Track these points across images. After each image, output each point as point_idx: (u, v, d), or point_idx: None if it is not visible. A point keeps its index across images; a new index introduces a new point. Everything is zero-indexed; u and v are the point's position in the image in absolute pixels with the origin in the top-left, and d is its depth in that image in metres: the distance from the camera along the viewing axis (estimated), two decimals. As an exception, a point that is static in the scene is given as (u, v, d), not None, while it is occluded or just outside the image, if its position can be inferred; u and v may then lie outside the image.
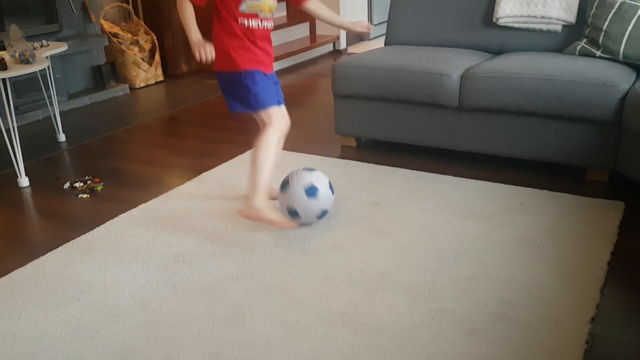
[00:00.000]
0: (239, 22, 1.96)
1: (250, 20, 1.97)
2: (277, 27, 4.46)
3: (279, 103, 2.13)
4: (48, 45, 3.16)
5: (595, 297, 1.69)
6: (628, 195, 2.32)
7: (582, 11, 2.75)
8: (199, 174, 2.75)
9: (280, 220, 2.07)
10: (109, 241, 2.15)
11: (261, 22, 1.99)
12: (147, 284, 1.86)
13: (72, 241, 2.16)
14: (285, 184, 2.11)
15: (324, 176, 2.15)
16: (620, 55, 2.53)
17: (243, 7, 1.94)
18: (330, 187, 2.15)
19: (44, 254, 2.07)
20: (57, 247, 2.12)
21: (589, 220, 2.15)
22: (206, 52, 1.94)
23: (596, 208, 2.23)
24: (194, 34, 1.97)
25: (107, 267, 1.97)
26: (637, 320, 1.63)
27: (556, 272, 1.83)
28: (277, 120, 2.06)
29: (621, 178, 2.42)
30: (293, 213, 2.10)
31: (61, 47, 3.15)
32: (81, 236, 2.19)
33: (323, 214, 2.15)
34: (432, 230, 2.13)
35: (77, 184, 2.70)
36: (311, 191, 2.07)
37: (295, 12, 5.59)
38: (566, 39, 2.79)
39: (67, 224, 2.35)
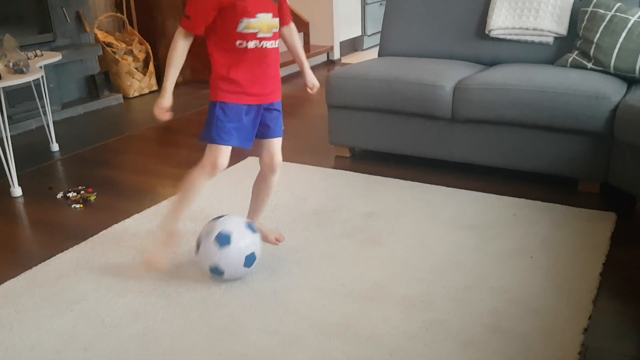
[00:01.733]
0: (237, 44, 1.77)
1: (248, 42, 1.77)
2: (271, 38, 4.45)
3: (272, 135, 1.94)
4: (42, 55, 3.16)
5: (588, 308, 1.70)
6: (619, 207, 2.34)
7: (573, 23, 2.78)
8: (193, 184, 2.74)
9: (158, 261, 1.98)
10: (103, 252, 2.14)
11: (259, 42, 1.78)
12: (141, 295, 1.85)
13: (65, 252, 2.15)
14: (197, 245, 1.89)
15: (236, 217, 1.92)
16: (611, 68, 2.56)
17: (241, 28, 1.75)
18: (249, 226, 1.90)
19: (37, 265, 2.06)
20: (50, 257, 2.11)
21: (581, 231, 2.16)
22: (159, 107, 1.82)
23: (588, 219, 2.25)
24: (168, 94, 1.81)
25: (101, 278, 1.96)
26: (629, 332, 1.64)
27: (550, 283, 1.84)
28: (211, 164, 1.87)
29: (613, 189, 2.44)
30: (217, 272, 1.85)
31: (55, 57, 3.15)
32: (74, 247, 2.18)
33: (250, 260, 1.86)
34: (427, 240, 2.14)
35: (70, 194, 2.69)
36: (223, 239, 1.82)
37: (289, 22, 5.61)
38: (558, 51, 2.82)
39: (61, 234, 2.34)
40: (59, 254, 2.13)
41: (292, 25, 1.99)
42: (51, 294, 1.88)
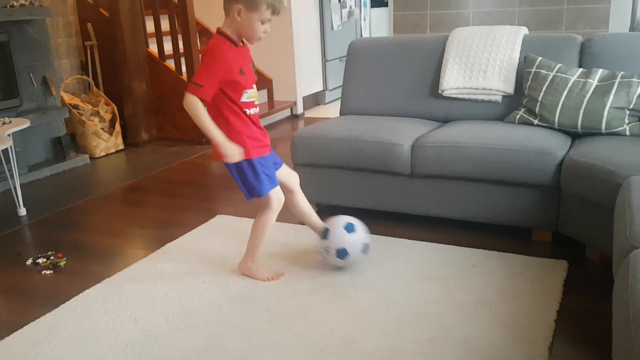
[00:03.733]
0: (242, 108, 2.17)
1: (250, 108, 2.20)
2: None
3: (280, 166, 2.37)
4: (10, 122, 3.20)
5: (544, 356, 1.81)
6: (570, 254, 2.49)
7: (519, 83, 2.99)
8: (163, 245, 2.79)
9: (269, 275, 2.39)
10: (75, 318, 2.17)
11: (256, 108, 2.24)
12: (116, 362, 1.88)
13: (37, 320, 2.16)
14: (326, 232, 2.39)
15: (353, 218, 2.43)
16: (556, 124, 2.75)
17: (244, 97, 2.16)
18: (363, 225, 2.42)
19: (9, 335, 2.07)
20: (22, 326, 2.12)
21: (536, 279, 2.29)
22: (234, 153, 2.14)
23: (542, 267, 2.39)
24: (220, 135, 2.13)
25: (74, 346, 1.98)
26: (583, 376, 1.75)
27: (508, 332, 1.95)
28: (276, 202, 2.28)
29: (564, 238, 2.59)
30: (342, 253, 2.34)
31: (24, 124, 3.20)
32: (47, 314, 2.20)
33: (366, 248, 2.39)
34: (392, 294, 2.23)
35: (40, 260, 2.70)
36: (349, 227, 2.36)
37: (253, 79, 5.78)
38: (506, 108, 3.02)
39: (32, 301, 2.35)
40: (32, 323, 2.14)
41: None
42: (25, 364, 1.89)
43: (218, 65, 2.07)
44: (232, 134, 2.17)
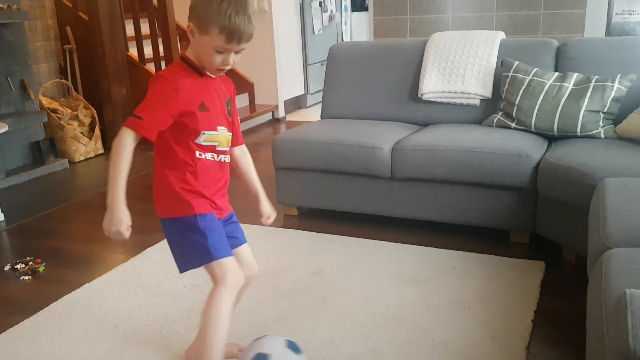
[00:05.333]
0: (196, 155, 1.61)
1: (206, 154, 1.63)
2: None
3: (240, 243, 1.79)
4: (-13, 126, 3.17)
5: (522, 356, 1.84)
6: (547, 255, 2.53)
7: (497, 87, 3.03)
8: (143, 250, 2.78)
9: None
10: (54, 325, 2.15)
11: (217, 155, 1.66)
12: (95, 368, 1.87)
13: (15, 326, 2.14)
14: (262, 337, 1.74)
15: (276, 337, 1.74)
16: (532, 127, 2.80)
17: (200, 140, 1.60)
18: (291, 345, 1.68)
19: (-14, 342, 2.05)
20: (0, 333, 2.09)
21: (513, 280, 2.33)
22: (113, 224, 1.49)
23: (519, 268, 2.42)
24: (117, 195, 1.50)
25: (53, 353, 1.97)
26: (559, 375, 1.78)
27: (486, 332, 1.97)
28: (231, 275, 1.63)
29: (541, 239, 2.63)
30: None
31: (1, 129, 3.19)
32: (25, 321, 2.18)
33: None
34: (372, 297, 2.25)
35: (18, 266, 2.67)
36: (295, 347, 1.67)
37: (234, 83, 5.78)
38: (484, 112, 3.06)
39: (10, 308, 2.32)
40: (10, 329, 2.12)
41: (245, 148, 1.84)
42: (2, 372, 1.88)
43: (165, 96, 1.52)
44: (165, 191, 1.63)
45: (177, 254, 1.66)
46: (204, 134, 1.60)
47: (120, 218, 1.49)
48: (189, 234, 1.61)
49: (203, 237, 1.60)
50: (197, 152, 1.61)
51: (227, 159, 1.70)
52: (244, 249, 1.79)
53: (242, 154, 1.83)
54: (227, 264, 1.62)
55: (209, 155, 1.64)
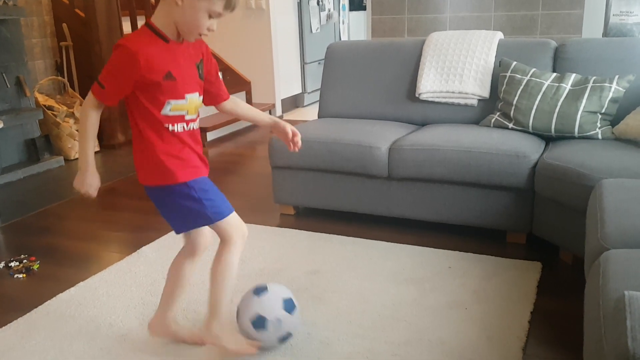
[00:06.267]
0: (165, 126, 1.63)
1: (175, 124, 1.64)
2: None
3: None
4: (-18, 123, 3.15)
5: (519, 356, 1.84)
6: (544, 256, 2.53)
7: (494, 87, 3.03)
8: (138, 249, 2.77)
9: (241, 348, 1.81)
10: (48, 323, 2.13)
11: (187, 124, 1.67)
12: (89, 367, 1.86)
13: (9, 325, 2.13)
14: (262, 289, 1.86)
15: (274, 295, 1.89)
16: (530, 127, 2.79)
17: (166, 110, 1.62)
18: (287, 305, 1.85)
19: (-21, 340, 2.03)
20: (-7, 332, 2.08)
21: (510, 281, 2.32)
22: (84, 185, 1.66)
23: (516, 269, 2.42)
24: (87, 160, 1.64)
25: (47, 351, 1.95)
26: (555, 376, 1.78)
27: (483, 333, 1.97)
28: (238, 233, 1.73)
29: (538, 239, 2.63)
30: (259, 323, 1.78)
31: (-4, 125, 3.15)
32: (19, 319, 2.16)
33: (289, 336, 1.88)
34: (369, 297, 2.24)
35: (12, 264, 2.66)
36: (290, 306, 1.83)
37: (231, 81, 5.78)
38: (482, 112, 3.05)
39: (3, 306, 2.31)
40: (4, 327, 2.11)
41: (234, 98, 1.87)
42: (-5, 370, 1.86)
43: (124, 64, 1.55)
44: (145, 149, 1.65)
45: (173, 218, 1.73)
46: (169, 103, 1.61)
47: (90, 183, 1.66)
48: (184, 201, 1.67)
49: (200, 204, 1.66)
50: (166, 125, 1.64)
51: (196, 125, 1.72)
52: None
53: (234, 104, 1.86)
54: (229, 222, 1.71)
55: (178, 127, 1.66)
